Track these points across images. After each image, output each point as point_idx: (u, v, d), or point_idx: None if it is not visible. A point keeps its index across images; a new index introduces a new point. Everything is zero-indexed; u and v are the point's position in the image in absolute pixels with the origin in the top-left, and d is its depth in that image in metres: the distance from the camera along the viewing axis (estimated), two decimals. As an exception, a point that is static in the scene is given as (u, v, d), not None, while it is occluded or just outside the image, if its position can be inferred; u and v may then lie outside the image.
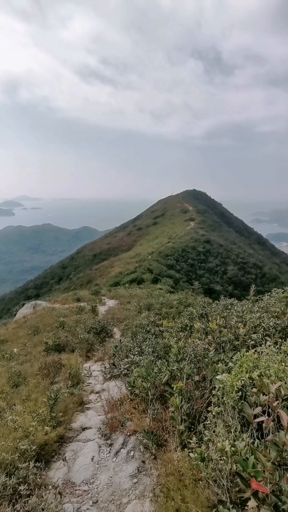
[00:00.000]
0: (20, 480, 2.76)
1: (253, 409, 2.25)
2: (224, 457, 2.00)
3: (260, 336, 3.88)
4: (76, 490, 2.92)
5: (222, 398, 2.55)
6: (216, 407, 2.54)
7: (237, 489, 1.89)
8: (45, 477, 2.99)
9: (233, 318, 4.58)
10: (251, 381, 2.51)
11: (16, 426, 3.38)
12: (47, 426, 3.55)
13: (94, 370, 6.60)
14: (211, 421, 2.59)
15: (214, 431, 2.37)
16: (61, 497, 2.73)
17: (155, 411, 3.38)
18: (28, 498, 2.60)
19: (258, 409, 2.23)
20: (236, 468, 1.91)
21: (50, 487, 2.82)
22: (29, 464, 2.88)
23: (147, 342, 5.57)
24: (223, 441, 2.05)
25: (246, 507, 1.71)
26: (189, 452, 2.44)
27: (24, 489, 2.67)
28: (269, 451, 1.81)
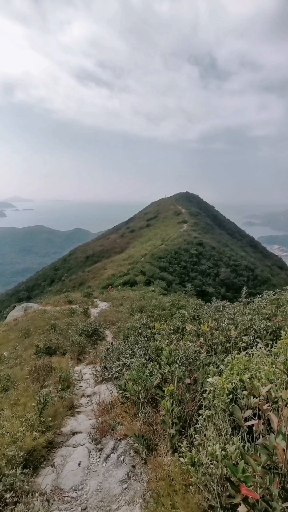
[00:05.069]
0: (7, 487, 2.68)
1: (244, 412, 2.23)
2: (215, 461, 1.97)
3: (251, 338, 3.88)
4: (64, 496, 2.86)
5: (213, 401, 2.53)
6: (207, 410, 2.52)
7: (227, 494, 1.86)
8: (33, 484, 2.92)
9: (224, 320, 4.58)
10: (242, 383, 2.50)
11: (4, 432, 3.30)
12: (36, 431, 3.47)
13: (85, 373, 6.53)
14: (202, 425, 2.57)
15: (205, 435, 2.34)
16: (49, 504, 2.67)
17: (146, 415, 3.34)
18: (14, 506, 2.53)
19: (249, 412, 2.21)
20: (227, 473, 1.88)
21: (37, 494, 2.75)
22: (16, 470, 2.81)
23: (138, 345, 5.53)
24: (213, 444, 2.03)
25: (236, 512, 1.69)
26: (179, 457, 2.41)
27: (10, 496, 2.60)
28: (260, 455, 1.79)
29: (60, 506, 2.72)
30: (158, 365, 3.86)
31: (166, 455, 2.76)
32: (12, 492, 2.64)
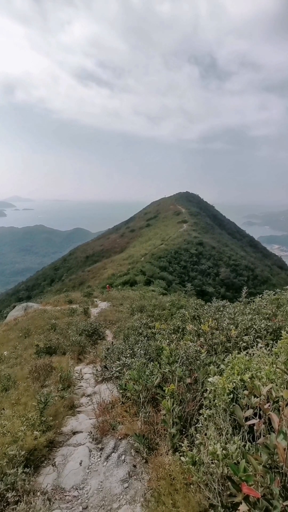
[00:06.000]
0: (8, 486, 2.69)
1: (245, 412, 2.24)
2: (216, 461, 1.98)
3: (252, 338, 3.89)
4: (65, 495, 2.87)
5: (214, 400, 2.54)
6: (208, 410, 2.53)
7: (228, 493, 1.87)
8: (34, 483, 2.93)
9: (225, 320, 4.59)
10: (242, 383, 2.51)
11: (5, 431, 3.31)
12: (37, 430, 3.48)
13: (85, 373, 6.54)
14: (202, 424, 2.57)
15: (205, 434, 2.35)
16: (50, 503, 2.68)
17: (147, 414, 3.35)
18: (16, 505, 2.54)
19: (249, 412, 2.22)
20: (228, 472, 1.89)
21: (39, 493, 2.76)
22: (17, 470, 2.82)
23: (139, 345, 5.54)
24: (214, 444, 2.03)
25: (237, 511, 1.69)
26: (180, 456, 2.42)
27: (12, 495, 2.61)
28: (260, 454, 1.80)
29: (61, 505, 2.73)
30: (158, 365, 3.87)
31: (167, 454, 2.77)
32: (13, 491, 2.65)
